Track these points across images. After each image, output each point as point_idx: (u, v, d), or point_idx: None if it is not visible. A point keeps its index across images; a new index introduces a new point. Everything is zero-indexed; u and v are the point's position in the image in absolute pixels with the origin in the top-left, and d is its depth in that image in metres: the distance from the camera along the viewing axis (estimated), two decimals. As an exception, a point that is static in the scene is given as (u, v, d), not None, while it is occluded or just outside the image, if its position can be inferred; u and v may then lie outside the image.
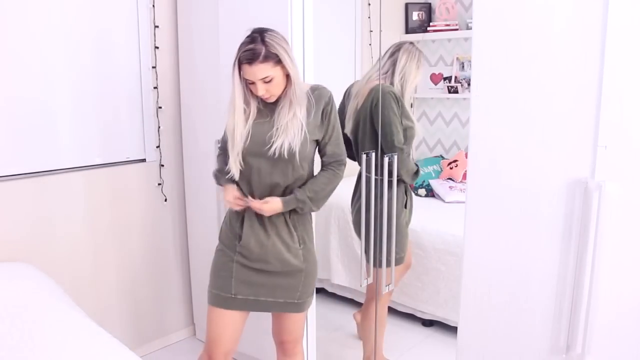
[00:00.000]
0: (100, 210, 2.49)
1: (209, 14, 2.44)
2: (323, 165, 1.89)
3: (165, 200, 2.74)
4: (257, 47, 1.67)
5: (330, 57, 2.84)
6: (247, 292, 1.85)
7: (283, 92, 1.77)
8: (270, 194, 1.82)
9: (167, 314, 2.83)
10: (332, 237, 2.97)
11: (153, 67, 2.61)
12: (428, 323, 2.91)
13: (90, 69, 2.38)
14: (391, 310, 3.00)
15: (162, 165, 2.71)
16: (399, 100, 2.27)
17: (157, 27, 2.60)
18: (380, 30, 2.35)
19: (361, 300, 2.91)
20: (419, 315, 2.90)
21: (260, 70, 1.68)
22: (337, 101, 2.39)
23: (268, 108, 1.81)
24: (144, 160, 2.62)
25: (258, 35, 1.70)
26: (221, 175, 1.91)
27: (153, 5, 2.57)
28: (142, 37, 2.54)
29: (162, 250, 2.77)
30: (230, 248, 1.87)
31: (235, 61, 1.73)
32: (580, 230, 1.54)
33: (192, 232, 2.81)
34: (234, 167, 1.80)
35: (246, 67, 1.69)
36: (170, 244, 2.80)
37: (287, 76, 1.74)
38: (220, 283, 1.86)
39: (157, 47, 2.61)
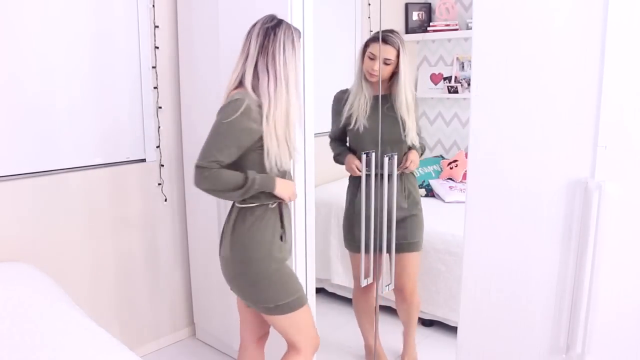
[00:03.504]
0: (100, 211, 2.49)
1: (209, 13, 2.44)
2: None
3: (165, 200, 2.74)
4: None
5: (330, 57, 2.84)
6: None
7: None
8: None
9: (166, 314, 2.83)
10: (332, 237, 2.97)
11: (153, 67, 2.61)
12: (428, 323, 2.91)
13: (90, 69, 2.38)
14: (391, 310, 3.00)
15: (162, 165, 2.71)
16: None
17: (157, 27, 2.60)
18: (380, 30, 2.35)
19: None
20: (419, 315, 2.90)
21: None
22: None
23: None
24: (144, 160, 2.62)
25: None
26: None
27: (153, 5, 2.57)
28: (142, 37, 2.54)
29: (162, 250, 2.77)
30: (282, 252, 1.83)
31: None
32: (580, 230, 1.54)
33: (191, 232, 2.81)
34: None
35: None
36: (170, 244, 2.80)
37: None
38: (298, 285, 1.84)
39: (157, 47, 2.61)
